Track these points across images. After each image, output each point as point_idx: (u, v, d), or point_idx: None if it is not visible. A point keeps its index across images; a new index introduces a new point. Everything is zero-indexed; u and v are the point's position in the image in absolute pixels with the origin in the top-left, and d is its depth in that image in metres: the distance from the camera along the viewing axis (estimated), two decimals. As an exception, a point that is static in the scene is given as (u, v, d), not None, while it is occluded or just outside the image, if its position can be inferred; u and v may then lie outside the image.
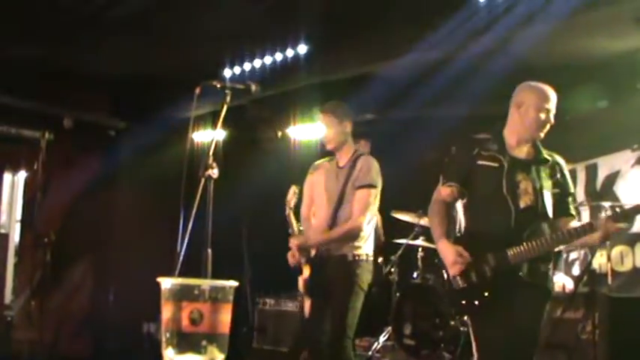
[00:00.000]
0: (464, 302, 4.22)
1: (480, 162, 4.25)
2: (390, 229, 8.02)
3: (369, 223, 5.22)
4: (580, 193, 8.52)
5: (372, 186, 5.15)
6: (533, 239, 4.06)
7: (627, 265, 7.97)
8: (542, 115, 4.27)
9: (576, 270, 7.76)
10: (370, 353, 7.75)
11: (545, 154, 4.42)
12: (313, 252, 5.32)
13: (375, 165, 5.25)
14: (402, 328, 7.54)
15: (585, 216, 8.30)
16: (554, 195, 4.30)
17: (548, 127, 4.34)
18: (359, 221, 5.10)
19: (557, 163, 4.47)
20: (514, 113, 4.32)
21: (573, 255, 7.94)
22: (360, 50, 7.38)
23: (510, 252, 4.06)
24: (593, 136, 8.31)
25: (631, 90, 7.06)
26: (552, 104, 4.35)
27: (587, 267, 6.94)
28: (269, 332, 8.39)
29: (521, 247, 4.04)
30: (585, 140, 8.38)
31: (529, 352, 4.09)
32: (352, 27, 7.04)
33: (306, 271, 5.34)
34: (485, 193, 4.24)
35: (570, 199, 4.40)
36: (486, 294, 4.11)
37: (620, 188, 8.23)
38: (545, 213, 4.19)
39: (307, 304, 5.47)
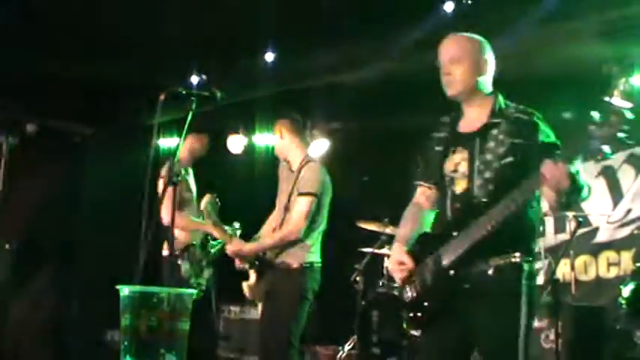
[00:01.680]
0: (411, 315, 3.54)
1: (435, 148, 3.67)
2: (355, 237, 8.02)
3: (316, 230, 5.18)
4: (544, 203, 8.59)
5: (311, 194, 5.09)
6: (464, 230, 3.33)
7: (590, 275, 8.04)
8: (442, 72, 3.63)
9: (540, 279, 7.81)
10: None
11: (499, 114, 3.58)
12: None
13: (319, 173, 5.20)
14: (367, 337, 7.53)
15: (549, 226, 8.37)
16: (507, 166, 3.40)
17: (451, 82, 3.58)
18: (294, 228, 5.05)
19: (519, 119, 3.58)
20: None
21: (537, 264, 7.98)
22: (327, 59, 7.39)
23: (441, 250, 3.39)
24: (558, 147, 8.39)
25: (596, 102, 7.12)
26: (441, 56, 3.66)
27: (550, 276, 6.98)
28: (233, 340, 8.35)
29: (451, 243, 3.35)
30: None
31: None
32: (319, 36, 7.04)
33: (252, 277, 5.31)
34: (436, 183, 3.65)
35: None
36: (426, 304, 3.45)
37: (584, 199, 8.30)
38: (482, 197, 3.39)
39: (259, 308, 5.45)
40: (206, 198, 5.37)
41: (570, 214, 6.95)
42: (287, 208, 5.21)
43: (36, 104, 7.93)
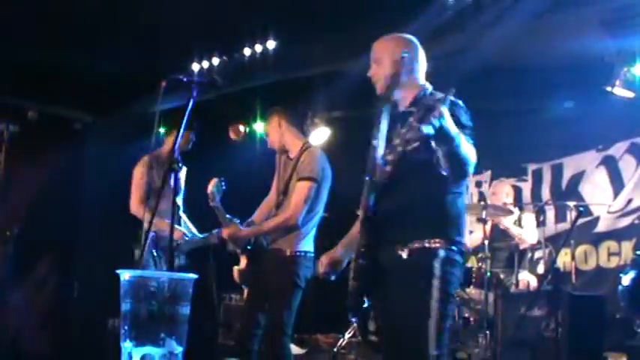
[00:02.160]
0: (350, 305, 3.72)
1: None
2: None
3: (313, 219, 5.16)
4: (545, 193, 8.60)
5: (311, 179, 5.04)
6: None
7: (591, 264, 8.06)
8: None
9: (541, 268, 7.82)
10: (335, 349, 7.75)
11: (415, 103, 3.65)
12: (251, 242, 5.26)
13: (318, 157, 5.16)
14: (367, 325, 7.53)
15: (550, 215, 8.38)
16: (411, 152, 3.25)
17: (375, 82, 3.79)
18: (293, 213, 4.99)
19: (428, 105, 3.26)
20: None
21: (538, 254, 8.00)
22: (328, 47, 7.37)
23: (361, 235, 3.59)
24: (559, 136, 8.39)
25: (597, 91, 7.13)
26: (372, 54, 3.85)
27: (551, 265, 6.99)
28: (234, 328, 8.36)
29: (366, 227, 3.55)
30: (551, 140, 8.46)
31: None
32: (321, 23, 7.02)
33: (243, 262, 5.30)
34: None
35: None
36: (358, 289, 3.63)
37: (585, 188, 8.31)
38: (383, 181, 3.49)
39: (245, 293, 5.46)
40: (212, 182, 5.35)
41: (571, 203, 6.96)
42: (285, 193, 5.19)
43: (37, 91, 7.92)
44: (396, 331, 3.52)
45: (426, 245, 3.40)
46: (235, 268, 5.35)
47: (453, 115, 3.20)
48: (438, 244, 3.40)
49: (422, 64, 3.88)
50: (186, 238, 6.05)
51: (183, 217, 6.37)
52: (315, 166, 5.08)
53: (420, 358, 3.38)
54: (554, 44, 6.88)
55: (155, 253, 5.92)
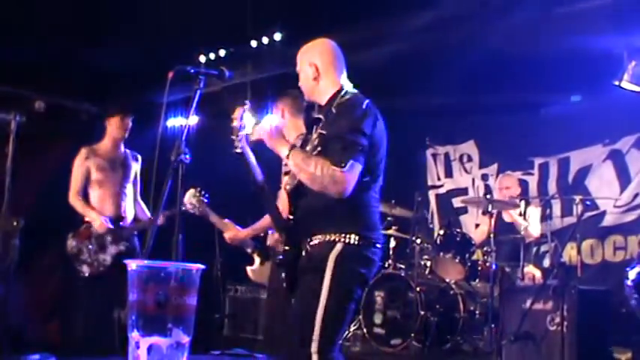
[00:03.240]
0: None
1: None
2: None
3: None
4: (552, 186, 8.59)
5: None
6: None
7: (597, 258, 8.05)
8: None
9: (546, 262, 7.81)
10: (340, 342, 7.75)
11: (322, 110, 3.83)
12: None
13: None
14: (372, 318, 7.56)
15: (557, 209, 8.37)
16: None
17: (302, 89, 4.00)
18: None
19: (338, 105, 3.73)
20: None
21: (544, 247, 7.99)
22: (335, 39, 7.36)
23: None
24: (566, 130, 8.37)
25: (605, 85, 7.11)
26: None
27: (557, 259, 6.98)
28: (240, 319, 8.38)
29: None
30: (558, 134, 8.44)
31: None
32: (327, 15, 7.01)
33: (256, 261, 5.31)
34: None
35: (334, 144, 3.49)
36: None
37: (592, 182, 8.30)
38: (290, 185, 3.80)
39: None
40: (189, 193, 5.35)
41: (578, 197, 6.95)
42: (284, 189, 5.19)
43: (44, 82, 7.92)
44: (292, 320, 3.56)
45: (326, 239, 3.49)
46: (249, 268, 5.36)
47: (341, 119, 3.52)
48: (336, 238, 3.46)
49: (338, 67, 3.95)
50: (109, 227, 6.18)
51: (142, 204, 6.55)
52: None
53: (302, 352, 3.38)
54: (562, 38, 6.86)
55: (90, 244, 6.05)
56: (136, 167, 6.48)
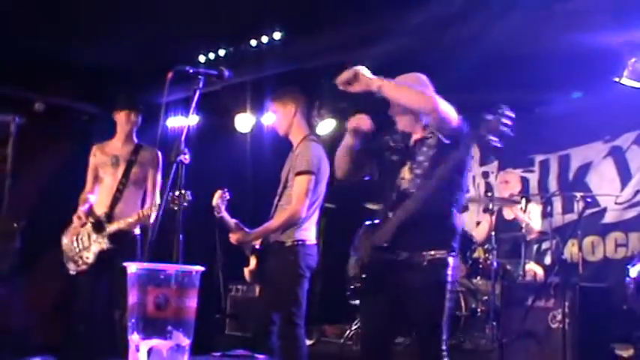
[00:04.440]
0: (352, 287, 4.33)
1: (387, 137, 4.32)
2: (363, 217, 8.02)
3: (312, 208, 5.14)
4: (552, 184, 8.59)
5: (308, 172, 5.03)
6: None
7: (598, 255, 8.05)
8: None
9: (547, 259, 7.81)
10: (342, 340, 7.76)
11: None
12: (258, 243, 5.28)
13: (313, 150, 5.13)
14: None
15: (558, 206, 8.37)
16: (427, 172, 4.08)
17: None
18: (295, 209, 4.99)
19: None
20: None
21: (545, 245, 7.99)
22: (335, 38, 7.35)
23: (374, 232, 4.08)
24: (567, 127, 8.37)
25: (606, 82, 7.10)
26: None
27: (558, 256, 6.98)
28: (241, 319, 8.38)
29: (379, 225, 4.06)
30: (559, 131, 8.44)
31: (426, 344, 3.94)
32: (327, 15, 7.01)
33: (253, 262, 5.30)
34: (384, 172, 4.28)
35: None
36: (364, 276, 4.11)
37: (592, 179, 8.29)
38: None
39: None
40: (217, 194, 5.34)
41: (578, 194, 6.94)
42: (284, 187, 5.19)
43: (43, 83, 7.92)
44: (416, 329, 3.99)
45: (439, 256, 3.87)
46: (246, 269, 5.34)
47: None
48: (446, 254, 3.90)
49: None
50: (87, 221, 6.10)
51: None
52: (309, 159, 5.07)
53: (437, 351, 3.83)
54: (562, 34, 6.86)
55: (74, 242, 6.08)
56: (148, 165, 6.26)
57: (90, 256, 5.95)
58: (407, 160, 4.09)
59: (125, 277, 1.68)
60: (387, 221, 3.95)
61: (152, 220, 5.73)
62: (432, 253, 3.88)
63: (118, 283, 5.01)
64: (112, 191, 6.10)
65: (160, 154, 6.24)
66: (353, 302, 4.40)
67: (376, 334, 4.07)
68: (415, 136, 4.16)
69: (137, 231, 5.99)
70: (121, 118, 6.24)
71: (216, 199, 5.28)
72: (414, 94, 3.92)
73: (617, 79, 6.94)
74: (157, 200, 6.04)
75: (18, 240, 5.97)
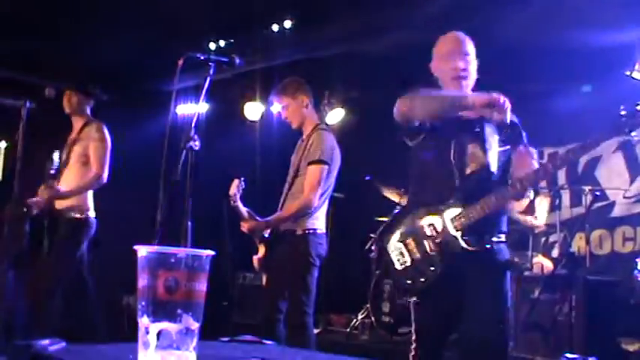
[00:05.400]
0: (409, 282, 3.74)
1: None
2: (373, 206, 8.04)
3: (323, 197, 5.15)
4: (561, 177, 8.57)
5: (321, 161, 5.06)
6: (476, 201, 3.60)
7: (606, 249, 8.03)
8: (460, 63, 3.87)
9: (555, 252, 7.80)
10: (348, 330, 7.79)
11: None
12: (267, 231, 5.29)
13: (326, 139, 5.16)
14: (380, 306, 7.57)
15: (566, 199, 8.35)
16: (501, 154, 3.78)
17: (469, 75, 3.89)
18: (309, 198, 5.02)
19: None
20: (436, 68, 3.98)
21: (553, 237, 7.98)
22: (345, 28, 7.35)
23: (450, 219, 3.64)
24: (577, 120, 8.35)
25: (616, 76, 7.08)
26: (465, 47, 3.95)
27: (566, 249, 6.98)
28: (249, 306, 8.41)
29: (464, 211, 3.60)
30: (568, 124, 8.42)
31: (495, 334, 3.61)
32: (337, 4, 7.00)
33: (261, 250, 5.31)
34: (433, 160, 3.79)
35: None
36: (432, 268, 3.66)
37: (601, 173, 8.28)
38: (493, 176, 3.72)
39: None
40: (234, 183, 5.35)
41: (587, 187, 6.93)
42: (295, 176, 5.20)
43: (54, 69, 7.94)
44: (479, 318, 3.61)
45: (502, 239, 3.75)
46: (255, 257, 5.36)
47: None
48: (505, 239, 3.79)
49: None
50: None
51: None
52: (323, 148, 5.09)
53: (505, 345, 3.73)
54: (572, 28, 6.84)
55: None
56: (85, 142, 6.25)
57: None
58: (470, 136, 3.75)
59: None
60: (467, 208, 3.59)
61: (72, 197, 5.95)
62: (500, 237, 3.76)
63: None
64: (54, 173, 6.10)
65: (101, 127, 6.30)
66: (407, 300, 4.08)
67: (440, 332, 3.90)
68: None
69: (78, 215, 6.02)
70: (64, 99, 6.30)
71: (233, 189, 5.29)
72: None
73: (628, 73, 6.92)
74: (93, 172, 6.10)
75: (27, 224, 5.99)
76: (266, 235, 5.27)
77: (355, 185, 7.47)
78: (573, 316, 5.84)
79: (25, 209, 6.03)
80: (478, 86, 3.82)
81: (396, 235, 3.79)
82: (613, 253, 8.00)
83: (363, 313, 7.77)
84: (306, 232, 5.07)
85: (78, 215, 6.07)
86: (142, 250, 1.61)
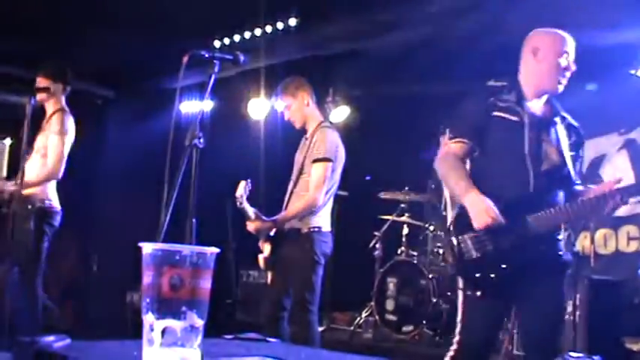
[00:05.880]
0: (478, 275, 3.68)
1: (496, 113, 3.79)
2: (376, 205, 8.04)
3: (328, 195, 5.15)
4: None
5: (326, 159, 5.07)
6: (557, 205, 3.63)
7: (610, 248, 8.02)
8: (563, 61, 3.88)
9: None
10: (352, 328, 7.78)
11: (562, 112, 4.00)
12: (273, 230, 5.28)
13: (330, 137, 5.16)
14: (384, 304, 7.57)
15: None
16: (571, 158, 3.87)
17: (568, 75, 3.93)
18: (313, 196, 5.03)
19: (572, 124, 4.04)
20: (528, 61, 3.94)
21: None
22: (349, 25, 7.35)
23: (531, 218, 3.59)
24: (581, 119, 8.32)
25: (621, 74, 7.07)
26: (572, 48, 3.97)
27: (570, 249, 6.97)
28: (253, 304, 8.41)
29: (546, 213, 3.57)
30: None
31: (554, 337, 3.70)
32: (342, 1, 7.00)
33: (266, 249, 5.31)
34: (501, 151, 3.77)
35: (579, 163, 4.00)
36: (504, 266, 3.61)
37: (606, 172, 8.26)
38: (569, 177, 3.82)
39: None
40: (241, 185, 5.32)
41: (592, 186, 6.92)
42: (300, 174, 5.20)
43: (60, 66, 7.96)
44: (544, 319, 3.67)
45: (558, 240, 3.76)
46: (260, 256, 5.35)
47: None
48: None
49: None
50: None
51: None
52: (328, 146, 5.10)
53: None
54: (578, 26, 6.82)
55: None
56: (47, 133, 6.13)
57: None
58: (541, 133, 3.79)
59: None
60: (541, 210, 3.58)
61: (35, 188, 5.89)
62: (560, 237, 3.76)
63: None
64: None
65: (63, 116, 6.13)
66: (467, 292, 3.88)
67: (492, 330, 3.90)
68: (538, 103, 3.92)
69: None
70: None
71: (240, 190, 5.27)
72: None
73: (632, 72, 6.91)
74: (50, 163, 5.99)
75: (32, 221, 6.00)
76: (271, 234, 5.26)
77: (359, 183, 7.47)
78: (577, 315, 5.83)
79: (29, 207, 6.03)
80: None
81: (471, 227, 3.69)
82: (617, 253, 7.98)
83: (367, 311, 7.77)
84: (311, 230, 5.07)
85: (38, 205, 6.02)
86: (147, 248, 1.61)
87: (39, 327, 5.80)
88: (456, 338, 3.89)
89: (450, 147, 3.86)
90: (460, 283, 3.81)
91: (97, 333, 6.46)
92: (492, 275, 3.63)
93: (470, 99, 3.97)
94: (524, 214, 3.60)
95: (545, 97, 3.92)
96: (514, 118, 3.76)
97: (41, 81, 6.18)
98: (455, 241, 3.71)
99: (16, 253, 5.69)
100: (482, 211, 3.56)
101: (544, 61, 3.86)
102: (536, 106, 3.88)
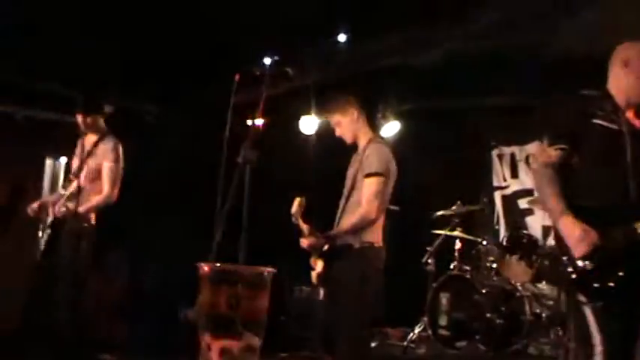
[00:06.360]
0: (597, 286, 3.61)
1: (597, 121, 3.76)
2: (428, 219, 8.01)
3: (380, 210, 5.10)
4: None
5: (378, 174, 5.02)
6: None
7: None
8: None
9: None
10: (405, 343, 7.73)
11: None
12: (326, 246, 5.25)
13: (382, 152, 5.13)
14: (437, 319, 7.52)
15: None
16: None
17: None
18: (367, 211, 4.98)
19: None
20: (619, 73, 3.89)
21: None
22: (399, 40, 7.34)
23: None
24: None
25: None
26: None
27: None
28: (306, 320, 8.40)
29: None
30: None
31: None
32: (391, 16, 6.98)
33: (319, 265, 5.27)
34: (601, 159, 3.73)
35: None
36: (621, 274, 3.56)
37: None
38: None
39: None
40: (296, 202, 5.31)
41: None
42: (352, 189, 5.18)
43: (108, 84, 8.04)
44: None
45: None
46: (313, 272, 5.33)
47: None
48: None
49: None
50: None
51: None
52: (380, 161, 5.07)
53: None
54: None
55: None
56: (99, 159, 6.32)
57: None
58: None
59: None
60: None
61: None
62: None
63: None
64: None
65: (116, 146, 6.34)
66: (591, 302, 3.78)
67: (630, 338, 3.74)
68: (631, 114, 3.86)
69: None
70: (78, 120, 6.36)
71: (294, 207, 5.26)
72: None
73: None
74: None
75: (87, 240, 6.09)
76: (324, 250, 5.24)
77: (411, 198, 7.43)
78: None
79: (85, 224, 6.14)
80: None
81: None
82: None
83: (420, 327, 7.72)
84: (364, 245, 5.04)
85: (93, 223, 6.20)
86: (205, 267, 1.61)
87: (87, 342, 5.89)
88: (598, 350, 3.75)
89: (549, 154, 3.82)
90: (581, 297, 3.73)
91: (149, 351, 6.51)
92: (611, 284, 3.59)
93: (568, 105, 3.95)
94: (631, 222, 3.56)
95: (634, 109, 3.85)
96: (614, 127, 3.73)
97: (84, 117, 6.34)
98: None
99: (65, 268, 5.81)
100: (578, 239, 3.57)
101: (635, 73, 3.82)
102: (630, 116, 3.83)
